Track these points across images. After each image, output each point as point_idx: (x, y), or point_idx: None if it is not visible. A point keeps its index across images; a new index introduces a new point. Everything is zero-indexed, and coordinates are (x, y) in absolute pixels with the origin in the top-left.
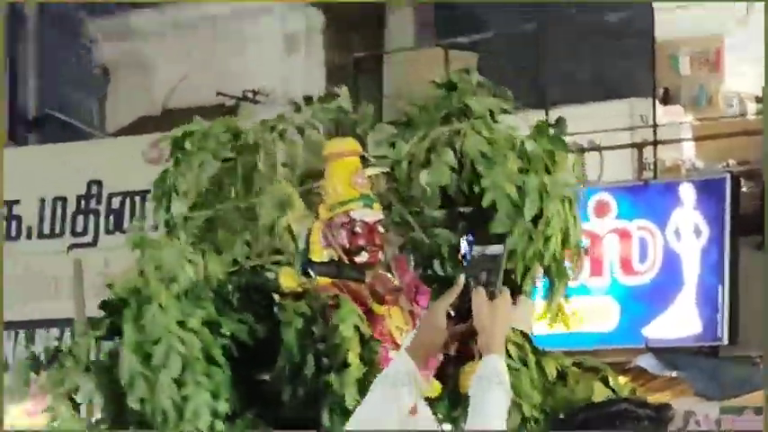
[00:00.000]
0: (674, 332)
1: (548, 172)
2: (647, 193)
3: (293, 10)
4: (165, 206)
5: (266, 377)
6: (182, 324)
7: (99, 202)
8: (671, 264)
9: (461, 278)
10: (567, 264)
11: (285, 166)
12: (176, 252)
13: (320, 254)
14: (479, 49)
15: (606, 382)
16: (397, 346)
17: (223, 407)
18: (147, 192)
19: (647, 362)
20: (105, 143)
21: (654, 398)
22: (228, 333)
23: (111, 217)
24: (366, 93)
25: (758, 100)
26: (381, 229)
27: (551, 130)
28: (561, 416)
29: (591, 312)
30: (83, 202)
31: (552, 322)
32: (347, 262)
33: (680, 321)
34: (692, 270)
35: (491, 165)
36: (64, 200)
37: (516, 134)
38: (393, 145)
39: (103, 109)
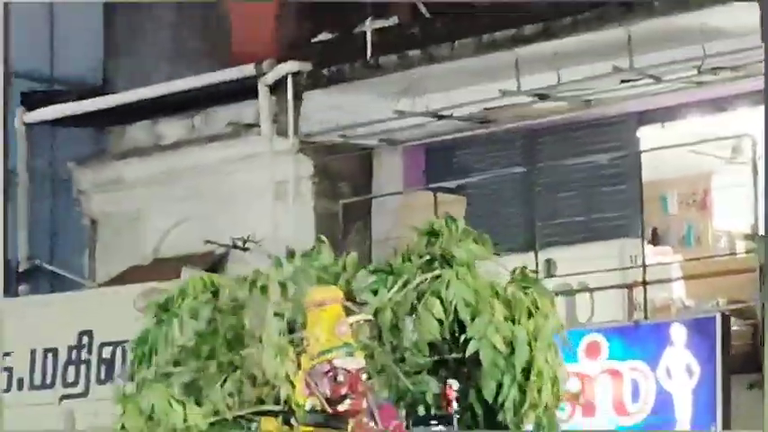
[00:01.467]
0: None
1: (530, 316)
2: (638, 334)
3: (282, 157)
4: (146, 364)
5: None
6: None
7: (90, 352)
8: (663, 404)
9: None
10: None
11: (276, 315)
12: (163, 397)
13: (302, 403)
14: (468, 192)
15: None
16: None
17: None
18: None
19: None
20: (95, 293)
21: None
22: None
23: (103, 367)
24: (355, 238)
25: (747, 237)
26: (364, 377)
27: (533, 276)
28: None
29: None
30: (74, 353)
31: None
32: (330, 410)
33: None
34: (684, 409)
35: (476, 314)
36: (55, 351)
37: (498, 282)
38: (375, 292)
39: (93, 259)
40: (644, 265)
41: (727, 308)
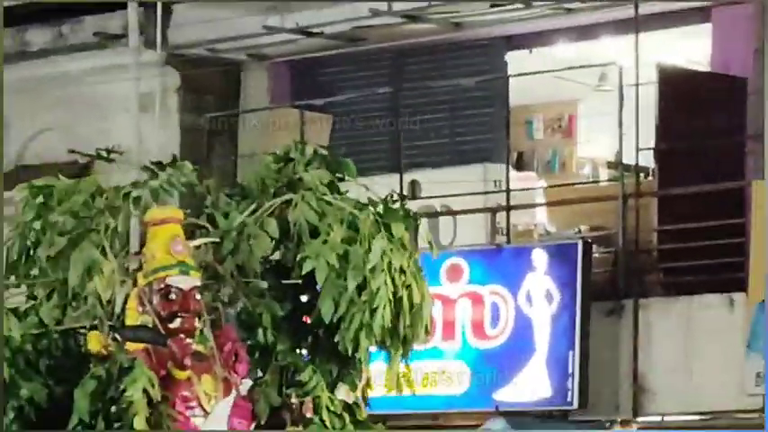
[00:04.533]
0: (525, 396)
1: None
2: (500, 258)
3: (148, 69)
4: (24, 259)
5: None
6: None
7: None
8: (522, 328)
9: None
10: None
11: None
12: None
13: (136, 319)
14: (335, 111)
15: None
16: (206, 413)
17: None
18: None
19: (497, 426)
20: None
21: None
22: (26, 395)
23: None
24: (221, 153)
25: (610, 166)
26: (198, 297)
27: (390, 204)
28: None
29: (442, 375)
30: None
31: (393, 389)
32: (161, 328)
33: (530, 386)
34: (543, 335)
35: (315, 235)
36: None
37: (346, 205)
38: (226, 215)
39: None
40: (507, 190)
41: (589, 235)
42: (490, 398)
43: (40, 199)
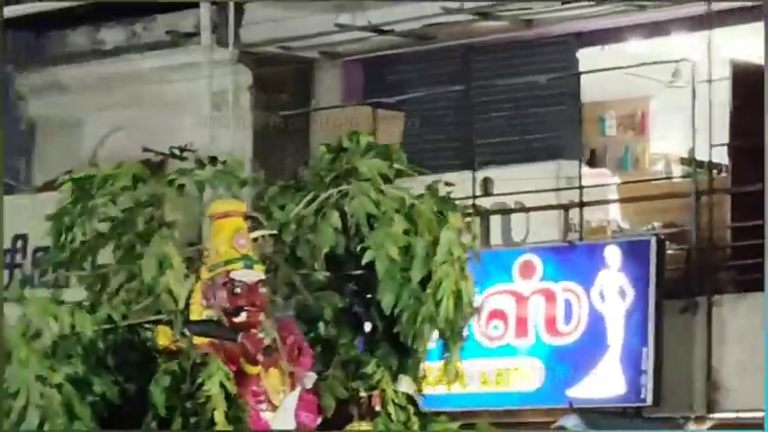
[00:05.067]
0: (599, 393)
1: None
2: (573, 255)
3: (221, 67)
4: (60, 244)
5: None
6: (43, 379)
7: (24, 257)
8: (595, 325)
9: None
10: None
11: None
12: (41, 308)
13: (200, 314)
14: (406, 109)
15: None
16: (273, 407)
17: None
18: None
19: (570, 422)
20: (31, 198)
21: None
22: (99, 391)
23: (36, 271)
24: (293, 151)
25: (683, 162)
26: (263, 290)
27: (442, 193)
28: None
29: (515, 372)
30: (8, 256)
31: (448, 383)
32: (226, 322)
33: (604, 382)
34: (616, 332)
35: (375, 226)
36: None
37: (405, 196)
38: (283, 207)
39: (30, 164)
40: (580, 187)
41: (662, 231)
42: (563, 394)
43: (79, 190)
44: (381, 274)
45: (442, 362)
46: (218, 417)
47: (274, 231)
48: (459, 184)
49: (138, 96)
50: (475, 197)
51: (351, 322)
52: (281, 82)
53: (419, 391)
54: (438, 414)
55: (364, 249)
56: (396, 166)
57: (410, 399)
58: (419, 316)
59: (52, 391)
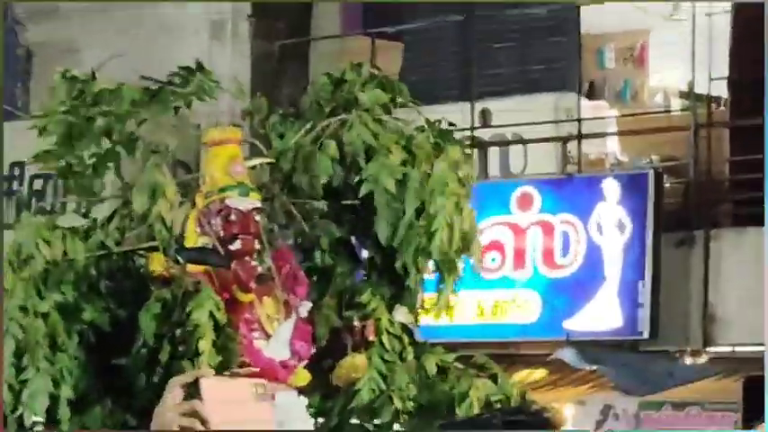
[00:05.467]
0: (595, 326)
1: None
2: (571, 187)
3: None
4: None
5: (123, 362)
6: (25, 310)
7: (21, 184)
8: (593, 258)
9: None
10: (461, 258)
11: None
12: (31, 233)
13: (195, 241)
14: (406, 39)
15: (495, 380)
16: (267, 335)
17: (66, 392)
18: None
19: (567, 355)
20: (28, 125)
21: (573, 391)
22: (88, 318)
23: (33, 199)
24: (292, 80)
25: (682, 95)
26: (258, 218)
27: (441, 125)
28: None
29: (513, 304)
30: (5, 184)
31: (437, 314)
32: (221, 250)
33: (601, 315)
34: (614, 264)
35: (372, 156)
36: None
37: (404, 127)
38: (281, 136)
39: (27, 91)
40: (579, 119)
41: (660, 165)
42: (560, 327)
43: (75, 91)
44: (377, 205)
45: (436, 293)
46: (205, 345)
47: (272, 160)
48: (458, 114)
49: (136, 24)
50: (473, 128)
51: (348, 252)
52: (280, 11)
53: (416, 321)
54: (434, 345)
55: (361, 181)
56: (397, 99)
57: (405, 329)
58: (412, 247)
59: (36, 320)
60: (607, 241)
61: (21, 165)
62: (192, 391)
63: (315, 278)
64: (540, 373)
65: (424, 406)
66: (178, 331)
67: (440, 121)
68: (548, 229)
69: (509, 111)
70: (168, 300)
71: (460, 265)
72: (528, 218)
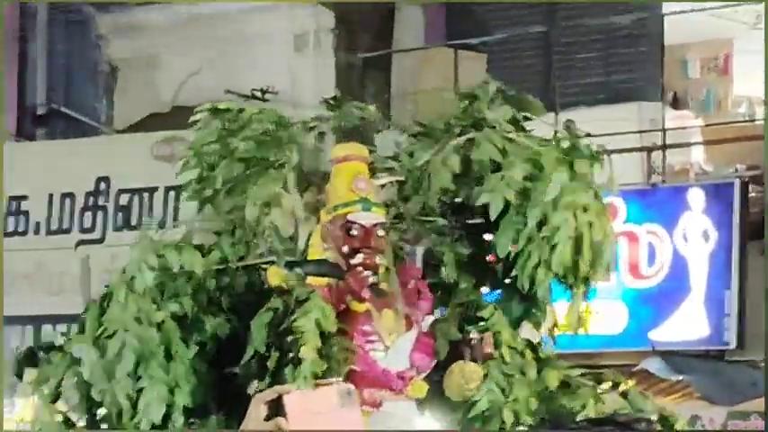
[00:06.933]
0: (681, 336)
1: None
2: (656, 197)
3: (302, 9)
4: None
5: (236, 371)
6: (139, 321)
7: (107, 199)
8: (679, 268)
9: None
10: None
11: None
12: (143, 248)
13: (319, 256)
14: (488, 50)
15: (620, 393)
16: (385, 347)
17: (181, 400)
18: (155, 189)
19: (653, 365)
20: (113, 139)
21: (659, 401)
22: (209, 329)
23: (120, 214)
24: (374, 92)
25: (767, 104)
26: (381, 233)
27: (568, 137)
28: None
29: (598, 315)
30: (91, 199)
31: (573, 328)
32: (344, 265)
33: (687, 325)
34: (699, 274)
35: (495, 171)
36: (72, 196)
37: (530, 142)
38: (411, 155)
39: (112, 105)
40: (663, 129)
41: (745, 174)
42: (646, 337)
43: (219, 123)
44: (494, 217)
45: (568, 306)
46: (307, 353)
47: (401, 178)
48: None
49: (219, 38)
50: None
51: (473, 268)
52: (363, 23)
53: (552, 336)
54: (559, 358)
55: (479, 193)
56: (523, 113)
57: (529, 344)
58: (532, 260)
59: (151, 330)
60: (692, 251)
61: (107, 179)
62: (277, 407)
63: (439, 293)
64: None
65: (545, 420)
66: (288, 338)
67: (571, 131)
68: (633, 239)
69: (592, 121)
70: (279, 309)
71: (593, 277)
72: (613, 228)
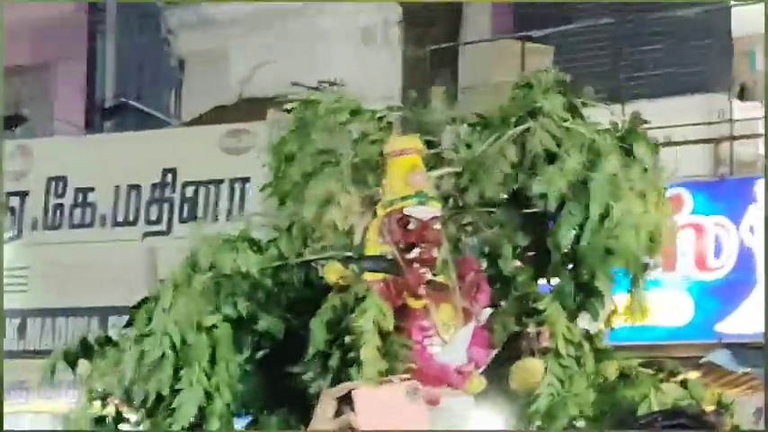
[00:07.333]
0: (748, 328)
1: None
2: (723, 189)
3: (370, 2)
4: (280, 173)
5: (296, 370)
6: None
7: (173, 191)
8: (745, 260)
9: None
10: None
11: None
12: (196, 248)
13: (376, 251)
14: (555, 42)
15: (680, 382)
16: (444, 341)
17: (221, 403)
18: (221, 181)
19: (719, 357)
20: (180, 132)
21: (726, 394)
22: (263, 328)
23: (186, 206)
24: (442, 85)
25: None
26: (437, 227)
27: (628, 125)
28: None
29: (664, 307)
30: (157, 191)
31: (634, 318)
32: (401, 259)
33: (754, 317)
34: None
35: (551, 161)
36: (138, 188)
37: (586, 130)
38: (469, 146)
39: (179, 98)
40: (731, 120)
41: None
42: (712, 330)
43: (300, 114)
44: (552, 208)
45: (629, 296)
46: (365, 352)
47: (458, 169)
48: (609, 116)
49: (285, 32)
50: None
51: (531, 260)
52: (430, 16)
53: (610, 326)
54: (617, 350)
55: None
56: (580, 100)
57: (587, 335)
58: (595, 252)
59: (198, 335)
60: (759, 243)
61: (173, 171)
62: (346, 403)
63: (498, 285)
64: (691, 376)
65: (605, 411)
66: (347, 337)
67: (637, 122)
68: (700, 230)
69: (660, 112)
70: (338, 306)
71: (652, 265)
72: (680, 220)
